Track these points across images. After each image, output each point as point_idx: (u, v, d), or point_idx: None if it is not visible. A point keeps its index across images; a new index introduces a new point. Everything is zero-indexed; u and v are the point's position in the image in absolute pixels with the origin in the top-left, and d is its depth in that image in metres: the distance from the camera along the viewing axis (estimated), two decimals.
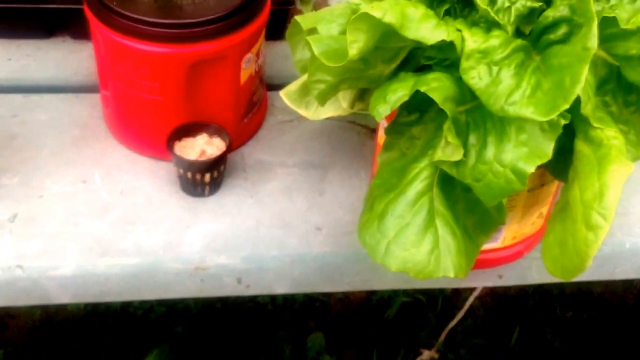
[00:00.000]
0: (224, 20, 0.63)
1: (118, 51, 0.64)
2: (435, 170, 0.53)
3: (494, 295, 1.62)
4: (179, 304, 1.52)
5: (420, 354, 1.48)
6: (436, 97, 0.48)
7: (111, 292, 0.65)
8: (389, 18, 0.47)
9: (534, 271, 0.69)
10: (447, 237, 0.53)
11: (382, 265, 0.52)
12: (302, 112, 0.65)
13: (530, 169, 0.49)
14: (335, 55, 0.50)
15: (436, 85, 0.49)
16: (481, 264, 0.65)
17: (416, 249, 0.52)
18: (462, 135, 0.51)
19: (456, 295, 1.60)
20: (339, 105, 0.64)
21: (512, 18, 0.50)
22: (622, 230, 0.69)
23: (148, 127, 0.69)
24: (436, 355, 1.46)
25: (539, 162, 0.49)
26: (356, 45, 0.48)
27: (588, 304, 1.57)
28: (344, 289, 0.69)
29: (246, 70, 0.68)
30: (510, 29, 0.50)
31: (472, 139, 0.51)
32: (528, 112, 0.46)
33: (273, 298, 1.54)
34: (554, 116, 0.46)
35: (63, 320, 1.50)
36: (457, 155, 0.50)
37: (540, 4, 0.50)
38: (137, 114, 0.69)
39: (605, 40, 0.52)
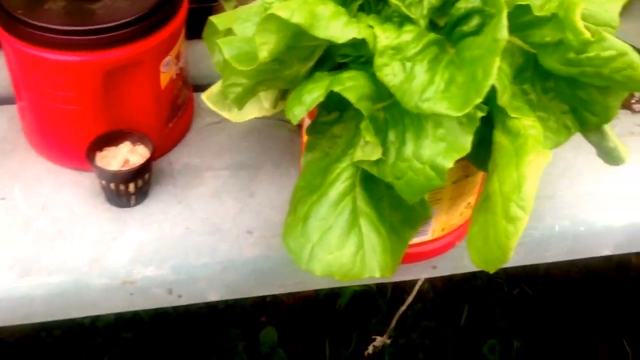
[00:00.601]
0: (136, 24, 0.61)
1: (28, 61, 0.62)
2: (357, 170, 0.53)
3: (443, 278, 1.63)
4: (127, 312, 1.49)
5: (373, 340, 1.49)
6: (351, 96, 0.47)
7: (36, 313, 0.63)
8: (297, 18, 0.45)
9: (466, 260, 0.67)
10: (371, 237, 0.53)
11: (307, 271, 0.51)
12: (225, 114, 0.64)
13: (449, 164, 0.48)
14: (247, 58, 0.49)
15: (351, 85, 0.48)
16: (413, 258, 0.65)
17: (340, 252, 0.51)
18: (382, 133, 0.51)
19: (406, 281, 1.61)
20: (262, 106, 0.62)
21: (425, 11, 0.49)
22: (551, 214, 0.70)
23: (67, 138, 0.67)
24: (388, 341, 1.47)
25: (458, 157, 0.49)
26: (266, 47, 0.47)
27: (534, 281, 1.60)
28: (279, 292, 0.68)
29: (166, 73, 0.66)
30: (423, 22, 0.49)
31: (391, 136, 0.50)
32: (442, 107, 0.46)
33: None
34: (467, 110, 0.45)
35: (10, 333, 1.45)
36: (376, 154, 0.49)
37: None
38: (55, 125, 0.67)
39: (520, 28, 0.52)
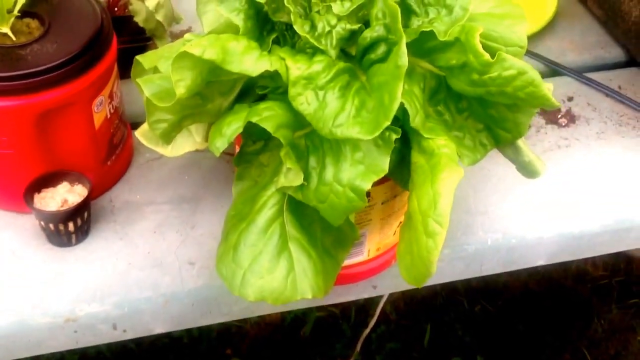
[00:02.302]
0: (64, 67, 0.62)
1: None
2: (284, 196, 0.55)
3: (405, 298, 1.65)
4: (91, 350, 1.48)
5: None
6: (268, 126, 0.49)
7: None
8: (209, 54, 0.47)
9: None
10: (302, 260, 0.54)
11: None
12: (160, 150, 0.65)
13: (367, 185, 0.51)
14: (167, 95, 0.51)
15: (268, 115, 0.50)
16: (352, 278, 0.66)
17: (271, 276, 0.53)
18: (303, 159, 0.53)
19: (369, 304, 1.62)
20: (194, 140, 0.64)
21: (334, 42, 0.51)
22: (484, 228, 0.72)
23: (5, 181, 0.68)
24: None
25: (376, 178, 0.51)
26: (183, 83, 0.49)
27: (494, 296, 1.62)
28: (225, 320, 0.69)
29: (99, 113, 0.68)
30: (333, 52, 0.51)
31: (312, 161, 0.52)
32: (354, 132, 0.48)
33: (189, 331, 1.53)
34: (377, 134, 0.48)
35: None
36: (298, 180, 0.51)
37: (360, 25, 0.52)
38: None
39: (428, 53, 0.54)
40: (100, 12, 0.67)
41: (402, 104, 0.52)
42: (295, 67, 0.49)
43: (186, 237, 0.70)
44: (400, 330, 1.57)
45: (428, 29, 0.52)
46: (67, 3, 0.68)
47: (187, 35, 0.53)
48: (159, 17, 0.75)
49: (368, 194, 0.60)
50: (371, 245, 0.64)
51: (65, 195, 0.67)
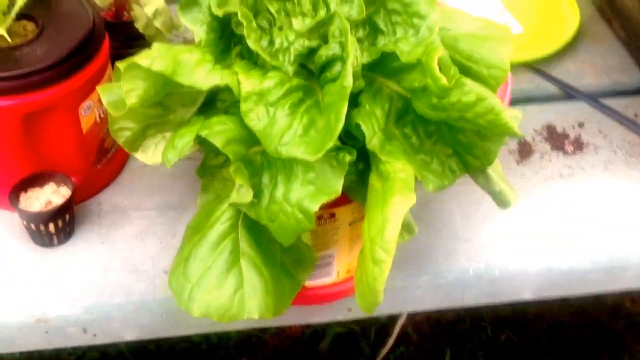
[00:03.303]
0: (49, 69, 0.64)
1: None
2: (239, 212, 0.54)
3: (429, 321, 1.62)
4: (112, 349, 1.51)
5: None
6: (217, 141, 0.49)
7: None
8: (158, 66, 0.48)
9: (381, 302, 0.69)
10: (252, 278, 0.54)
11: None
12: (139, 157, 0.66)
13: (315, 207, 0.50)
14: (122, 104, 0.51)
15: (219, 129, 0.50)
16: (321, 299, 0.65)
17: (218, 292, 0.52)
18: (258, 176, 0.52)
19: (390, 324, 1.60)
20: None
21: (292, 58, 0.51)
22: (467, 256, 0.70)
23: None
24: None
25: (327, 199, 0.50)
26: (134, 93, 0.49)
27: (522, 325, 1.57)
28: (195, 332, 0.69)
29: (87, 117, 0.69)
30: (291, 68, 0.51)
31: (266, 179, 0.52)
32: (299, 152, 0.47)
33: (207, 337, 1.54)
34: (320, 155, 0.47)
35: None
36: (248, 197, 0.51)
37: (319, 42, 0.51)
38: None
39: (393, 73, 0.53)
40: (93, 17, 0.69)
41: (359, 125, 0.51)
42: (247, 83, 0.49)
43: (165, 245, 0.70)
44: (420, 352, 1.54)
45: (390, 50, 0.51)
46: (63, 6, 0.70)
47: (154, 45, 0.53)
48: (157, 24, 0.76)
49: (333, 214, 0.59)
50: (340, 267, 0.63)
51: (50, 196, 0.69)
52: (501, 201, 0.59)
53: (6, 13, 0.67)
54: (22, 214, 0.67)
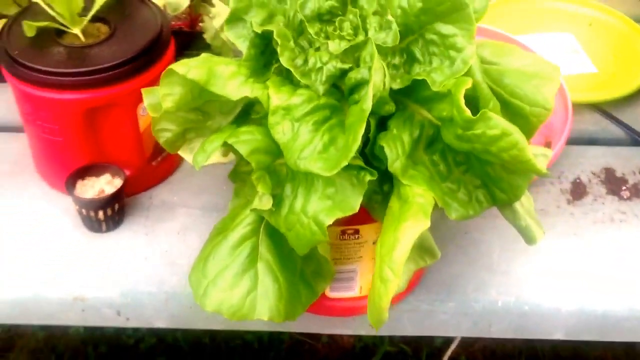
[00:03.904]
0: (112, 70, 0.68)
1: (21, 96, 0.71)
2: (261, 218, 0.56)
3: (484, 350, 1.60)
4: (169, 337, 1.57)
5: None
6: (242, 149, 0.51)
7: (1, 315, 0.70)
8: (193, 74, 0.50)
9: (406, 323, 0.70)
10: (266, 282, 0.56)
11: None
12: (186, 157, 0.69)
13: (329, 221, 0.51)
14: (160, 107, 0.54)
15: (245, 138, 0.52)
16: (342, 312, 0.67)
17: (232, 291, 0.55)
18: (281, 186, 0.54)
19: (444, 349, 1.58)
20: (216, 154, 0.67)
21: (324, 78, 0.52)
22: (498, 289, 0.69)
23: (57, 165, 0.75)
24: None
25: (341, 215, 0.51)
26: (171, 98, 0.52)
27: None
28: (220, 327, 0.71)
29: (145, 117, 0.73)
30: (322, 88, 0.52)
31: (288, 190, 0.54)
32: (316, 167, 0.49)
33: (260, 337, 1.57)
34: (335, 172, 0.48)
35: (63, 344, 1.57)
36: (267, 205, 0.53)
37: (350, 65, 0.52)
38: (46, 153, 0.75)
39: (425, 101, 0.54)
40: (161, 24, 0.73)
41: (382, 147, 0.52)
42: (276, 97, 0.51)
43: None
44: None
45: (421, 77, 0.52)
46: (135, 12, 0.74)
47: (202, 55, 0.56)
48: (224, 36, 0.79)
49: (357, 231, 0.60)
50: (363, 283, 0.64)
51: (104, 186, 0.73)
52: (527, 237, 0.58)
53: (82, 15, 0.72)
54: (76, 200, 0.72)
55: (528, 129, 0.60)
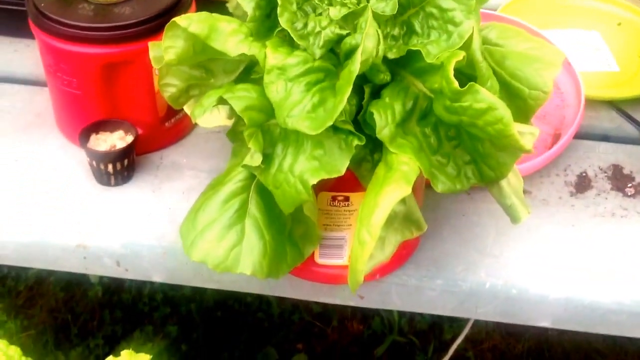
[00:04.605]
0: (130, 28, 0.71)
1: (44, 47, 0.74)
2: (253, 176, 0.58)
3: (493, 350, 1.60)
4: (183, 308, 1.61)
5: None
6: (236, 105, 0.53)
7: (9, 257, 0.73)
8: (194, 28, 0.52)
9: (394, 296, 0.71)
10: (252, 238, 0.57)
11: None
12: (192, 117, 0.71)
13: (314, 180, 0.53)
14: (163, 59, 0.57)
15: (241, 95, 0.54)
16: (330, 279, 0.68)
17: (218, 243, 0.57)
18: (273, 145, 0.56)
19: (452, 341, 1.58)
20: (221, 116, 0.69)
21: (322, 42, 0.54)
22: (487, 271, 0.70)
23: (74, 118, 0.78)
24: None
25: (326, 176, 0.53)
26: (173, 50, 0.54)
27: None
28: (213, 286, 0.73)
29: None
30: (319, 51, 0.54)
31: (279, 149, 0.55)
32: (302, 125, 0.51)
33: (270, 315, 1.60)
34: (319, 131, 0.50)
35: (81, 306, 1.62)
36: (257, 162, 0.55)
37: (348, 31, 0.54)
38: (64, 105, 0.78)
39: (420, 73, 0.55)
40: None
41: (372, 114, 0.54)
42: (272, 57, 0.53)
43: None
44: None
45: (416, 48, 0.53)
46: None
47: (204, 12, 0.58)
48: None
49: (347, 198, 0.62)
50: None
51: (116, 141, 0.76)
52: (511, 215, 0.59)
53: None
54: (88, 152, 0.75)
55: (526, 111, 0.61)
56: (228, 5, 0.84)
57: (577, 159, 0.83)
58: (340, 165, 0.53)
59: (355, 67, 0.49)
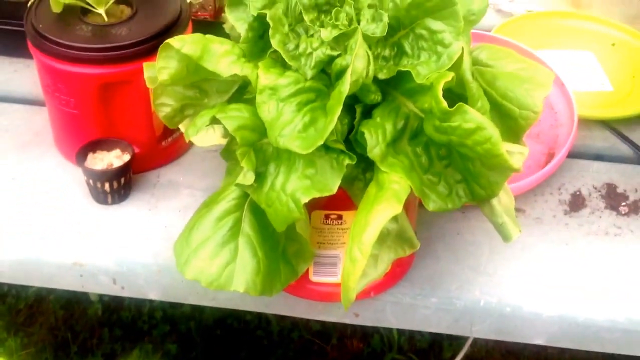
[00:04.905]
0: (128, 48, 0.72)
1: (42, 68, 0.75)
2: (246, 194, 0.59)
3: None
4: (182, 326, 1.61)
5: None
6: (228, 124, 0.54)
7: (5, 275, 0.74)
8: (187, 49, 0.53)
9: (389, 314, 0.71)
10: (246, 256, 0.58)
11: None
12: (186, 136, 0.72)
13: (305, 199, 0.53)
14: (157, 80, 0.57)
15: (233, 115, 0.55)
16: (324, 297, 0.68)
17: (211, 261, 0.57)
18: (267, 164, 0.56)
19: (452, 359, 1.58)
20: (216, 135, 0.70)
21: (313, 63, 0.55)
22: (482, 289, 0.70)
23: (71, 137, 0.79)
24: None
25: (318, 195, 0.54)
26: (166, 71, 0.55)
27: None
28: (210, 304, 0.74)
29: None
30: (310, 72, 0.55)
31: (271, 168, 0.56)
32: (293, 145, 0.51)
33: (270, 333, 1.60)
34: (309, 151, 0.50)
35: (81, 324, 1.62)
36: (250, 181, 0.55)
37: (339, 52, 0.55)
38: (62, 124, 0.79)
39: (410, 93, 0.56)
40: (181, 9, 0.76)
41: (363, 134, 0.54)
42: (264, 77, 0.54)
43: None
44: None
45: (406, 69, 0.54)
46: None
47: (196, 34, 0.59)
48: None
49: (340, 216, 0.62)
50: None
51: (113, 160, 0.77)
52: (503, 234, 0.59)
53: None
54: (85, 171, 0.76)
55: (517, 131, 0.62)
56: (224, 26, 0.85)
57: (571, 178, 0.83)
58: (331, 184, 0.54)
59: (345, 87, 0.50)
